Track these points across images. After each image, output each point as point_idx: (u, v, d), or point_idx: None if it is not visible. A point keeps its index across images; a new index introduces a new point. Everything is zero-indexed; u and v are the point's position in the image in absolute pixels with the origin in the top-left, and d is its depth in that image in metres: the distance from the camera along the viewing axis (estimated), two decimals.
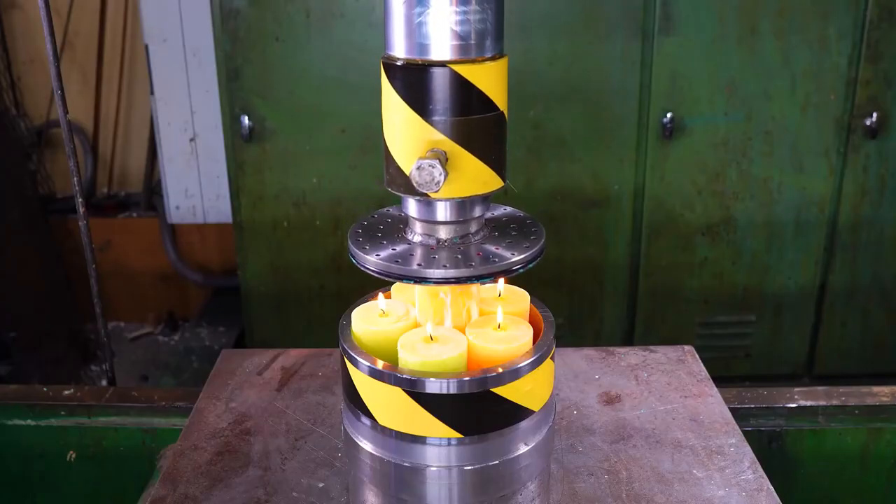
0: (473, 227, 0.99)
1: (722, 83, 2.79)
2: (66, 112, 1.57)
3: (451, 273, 0.92)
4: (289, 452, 1.29)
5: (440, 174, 0.89)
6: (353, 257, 0.97)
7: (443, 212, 0.96)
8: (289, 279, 3.00)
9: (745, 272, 3.01)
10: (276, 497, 1.19)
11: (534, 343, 1.00)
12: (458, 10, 0.88)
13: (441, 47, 0.89)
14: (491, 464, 0.98)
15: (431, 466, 0.97)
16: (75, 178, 1.60)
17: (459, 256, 0.94)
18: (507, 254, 0.95)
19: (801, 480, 1.57)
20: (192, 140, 3.55)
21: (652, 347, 1.58)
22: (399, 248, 0.97)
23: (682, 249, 2.98)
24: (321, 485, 1.21)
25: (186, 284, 4.04)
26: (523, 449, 0.99)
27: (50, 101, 4.10)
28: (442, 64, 0.90)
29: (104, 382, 1.84)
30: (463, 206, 0.96)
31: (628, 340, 3.10)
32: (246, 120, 2.77)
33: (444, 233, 0.98)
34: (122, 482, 1.59)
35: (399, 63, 0.91)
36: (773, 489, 1.19)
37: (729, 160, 2.87)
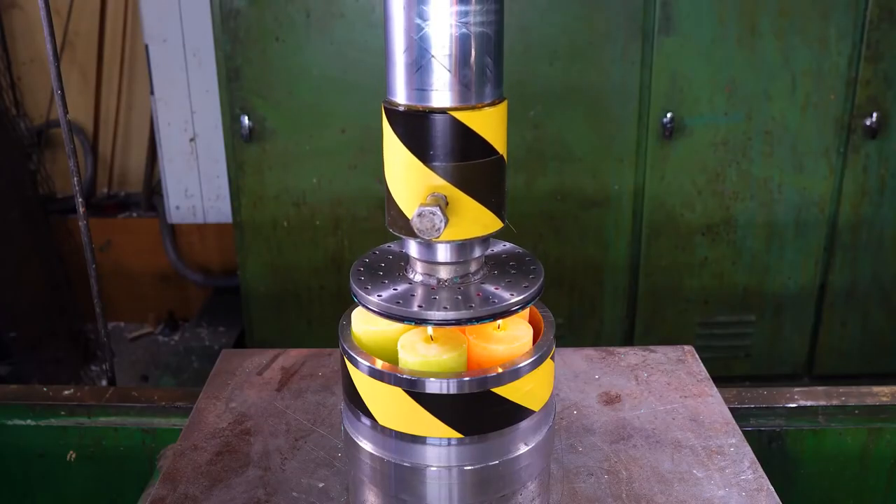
0: (473, 267, 1.00)
1: (722, 83, 2.79)
2: (66, 112, 1.57)
3: (451, 315, 0.93)
4: (289, 452, 1.29)
5: (441, 221, 0.90)
6: (356, 296, 0.99)
7: (443, 253, 0.98)
8: (289, 279, 3.00)
9: (745, 272, 3.01)
10: (276, 497, 1.19)
11: (534, 343, 1.00)
12: (458, 56, 0.89)
13: (441, 94, 0.90)
14: (491, 464, 0.98)
15: (431, 466, 0.97)
16: (75, 178, 1.60)
17: (459, 297, 0.96)
18: (506, 294, 0.96)
19: (801, 480, 1.57)
20: (192, 140, 3.55)
21: (652, 347, 1.58)
22: (400, 287, 0.98)
23: (682, 249, 2.98)
24: (321, 485, 1.21)
25: (186, 284, 4.04)
26: (523, 449, 1.00)
27: (50, 101, 4.10)
28: (442, 111, 0.90)
29: (104, 382, 1.84)
30: (463, 247, 0.98)
31: (628, 340, 3.10)
32: (246, 120, 2.77)
33: (444, 273, 0.99)
34: (122, 482, 1.59)
35: (400, 109, 0.92)
36: (773, 489, 1.19)
37: (729, 160, 2.87)
